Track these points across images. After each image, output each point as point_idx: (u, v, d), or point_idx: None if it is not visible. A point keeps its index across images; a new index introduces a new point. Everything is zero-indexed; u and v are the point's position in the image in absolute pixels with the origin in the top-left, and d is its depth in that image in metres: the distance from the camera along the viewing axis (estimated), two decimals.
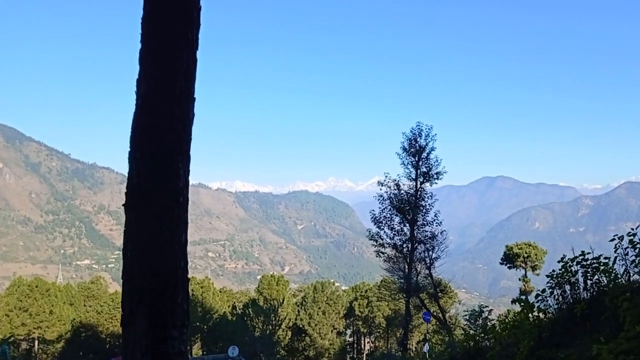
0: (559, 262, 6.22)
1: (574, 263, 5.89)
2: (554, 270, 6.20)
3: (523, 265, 49.49)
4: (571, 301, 5.85)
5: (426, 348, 30.65)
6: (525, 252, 49.17)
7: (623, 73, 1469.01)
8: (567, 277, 5.94)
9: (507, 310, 48.19)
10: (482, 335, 7.86)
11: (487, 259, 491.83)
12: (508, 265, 50.63)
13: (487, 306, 41.09)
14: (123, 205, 3.48)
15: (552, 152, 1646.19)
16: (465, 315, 45.88)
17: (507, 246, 51.63)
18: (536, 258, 49.37)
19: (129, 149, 3.54)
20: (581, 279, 5.90)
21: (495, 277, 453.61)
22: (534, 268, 49.63)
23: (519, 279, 49.53)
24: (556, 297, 6.11)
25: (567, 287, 5.98)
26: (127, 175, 3.54)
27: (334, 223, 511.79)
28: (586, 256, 5.84)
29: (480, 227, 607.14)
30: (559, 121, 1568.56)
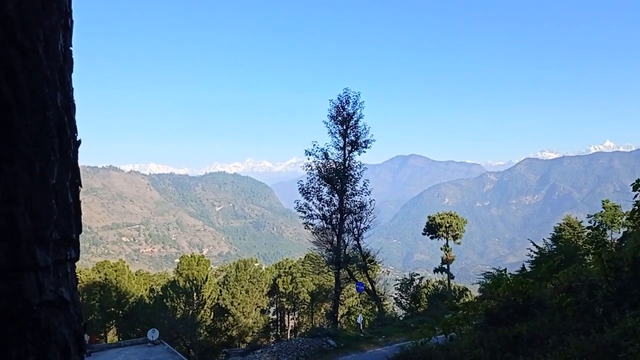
0: (631, 185, 4.73)
1: None
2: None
3: (445, 235, 50.17)
4: None
5: (360, 319, 29.92)
6: (447, 222, 49.84)
7: (518, 56, 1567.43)
8: None
9: (427, 280, 48.95)
10: (542, 280, 6.43)
11: (401, 234, 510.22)
12: (430, 235, 51.09)
13: (418, 274, 41.18)
14: None
15: (459, 131, 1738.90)
16: (396, 284, 45.99)
17: (429, 216, 52.10)
18: (457, 227, 50.21)
19: None
20: None
21: (409, 251, 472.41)
22: (455, 237, 50.49)
23: (441, 249, 50.19)
24: None
25: None
26: None
27: (252, 204, 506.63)
28: None
29: (394, 204, 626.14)
30: (465, 102, 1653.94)
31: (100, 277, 48.05)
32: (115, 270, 49.81)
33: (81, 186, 1.58)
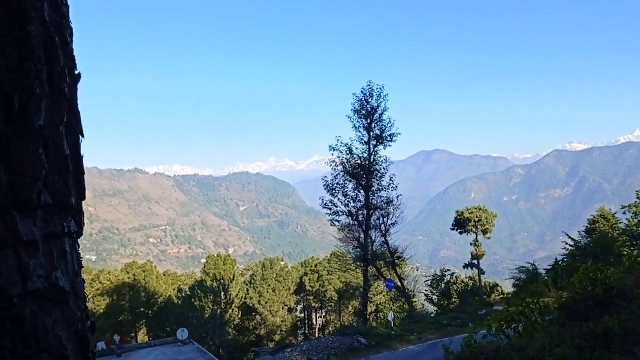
0: None
1: None
2: None
3: (474, 229, 49.04)
4: None
5: (391, 317, 29.36)
6: (476, 217, 48.70)
7: (545, 47, 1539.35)
8: None
9: (456, 277, 48.02)
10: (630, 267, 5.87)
11: (426, 230, 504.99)
12: (459, 230, 50.02)
13: (449, 270, 40.26)
14: None
15: (484, 125, 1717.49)
16: (426, 281, 45.22)
17: (457, 211, 51.02)
18: (487, 222, 49.03)
19: None
20: None
21: (435, 247, 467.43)
22: (485, 232, 49.31)
23: (471, 244, 49.11)
24: None
25: None
26: None
27: (276, 203, 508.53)
28: None
29: (419, 200, 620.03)
30: (490, 94, 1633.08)
31: (129, 278, 48.42)
32: (144, 271, 50.13)
33: (83, 136, 1.15)
